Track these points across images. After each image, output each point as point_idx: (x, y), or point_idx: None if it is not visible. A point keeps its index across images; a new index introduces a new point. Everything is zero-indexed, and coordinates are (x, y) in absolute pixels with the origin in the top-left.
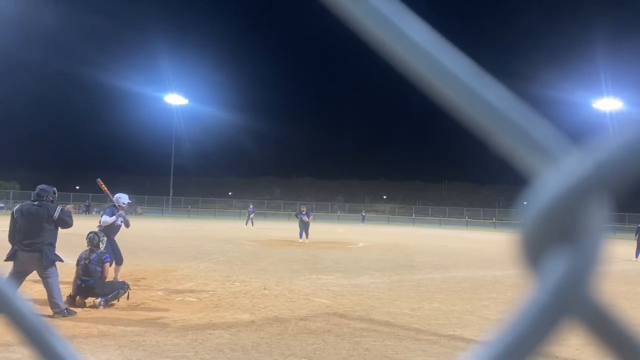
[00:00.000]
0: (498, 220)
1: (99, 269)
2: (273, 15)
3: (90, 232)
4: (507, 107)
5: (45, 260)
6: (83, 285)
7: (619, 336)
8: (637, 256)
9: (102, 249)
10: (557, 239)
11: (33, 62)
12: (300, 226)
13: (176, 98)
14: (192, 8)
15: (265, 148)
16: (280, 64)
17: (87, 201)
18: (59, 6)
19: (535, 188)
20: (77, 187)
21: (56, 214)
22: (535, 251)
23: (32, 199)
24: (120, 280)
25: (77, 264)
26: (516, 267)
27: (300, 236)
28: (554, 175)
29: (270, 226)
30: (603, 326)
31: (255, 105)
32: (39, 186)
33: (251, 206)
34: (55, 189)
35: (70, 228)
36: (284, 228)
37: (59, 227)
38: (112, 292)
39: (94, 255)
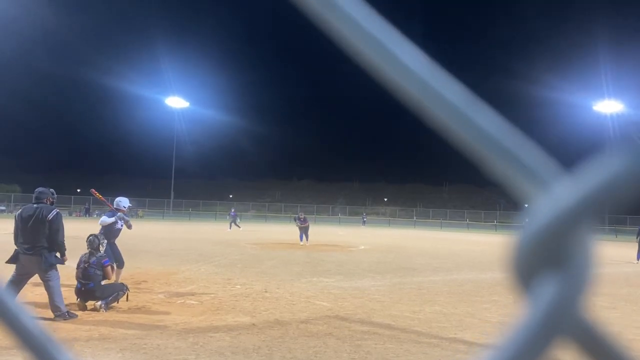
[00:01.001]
0: (499, 222)
1: (98, 272)
2: (274, 18)
3: (90, 235)
4: (499, 132)
5: (44, 264)
6: (83, 288)
7: (610, 355)
8: (638, 259)
9: (102, 252)
10: (547, 264)
11: (34, 65)
12: (300, 229)
13: (177, 101)
14: (193, 11)
15: (266, 151)
16: (281, 67)
17: (87, 204)
18: (60, 9)
19: (527, 213)
20: (78, 190)
21: (50, 215)
22: (526, 274)
23: (32, 202)
24: (120, 282)
25: (77, 267)
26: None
27: (301, 239)
28: (545, 202)
29: (271, 229)
30: (594, 346)
31: (256, 108)
32: (37, 189)
33: (233, 210)
34: (52, 190)
35: (60, 239)
36: (284, 231)
37: (52, 231)
38: (112, 294)
39: (93, 259)
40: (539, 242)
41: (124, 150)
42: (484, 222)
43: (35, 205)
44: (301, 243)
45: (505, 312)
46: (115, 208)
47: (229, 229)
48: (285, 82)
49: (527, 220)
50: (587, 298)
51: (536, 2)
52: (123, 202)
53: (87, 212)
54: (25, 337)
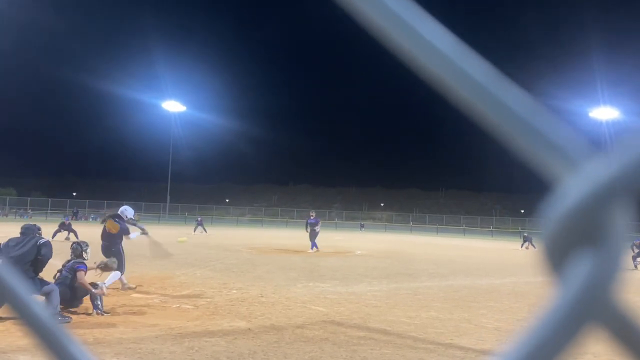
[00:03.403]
0: (495, 228)
1: (69, 275)
2: (272, 22)
3: (74, 243)
4: (526, 110)
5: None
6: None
7: None
8: (635, 266)
9: (86, 258)
10: (580, 244)
11: (31, 70)
12: (310, 237)
13: (174, 105)
14: (190, 15)
15: (263, 155)
16: (278, 72)
17: (75, 208)
18: (58, 13)
19: (558, 192)
20: (74, 194)
21: (42, 241)
22: (558, 256)
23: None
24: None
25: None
26: (514, 276)
27: (312, 247)
28: (577, 180)
29: (267, 234)
30: (626, 331)
31: (253, 113)
32: (24, 225)
33: (199, 218)
34: (39, 226)
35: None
36: (281, 235)
37: (39, 256)
38: (84, 296)
39: (69, 263)
40: (570, 222)
41: (121, 154)
42: (480, 227)
43: (22, 237)
44: (310, 251)
45: (501, 317)
46: (130, 219)
47: (204, 232)
48: (283, 87)
49: (557, 199)
50: (619, 281)
51: (530, 9)
52: (128, 212)
53: (76, 216)
54: (38, 330)
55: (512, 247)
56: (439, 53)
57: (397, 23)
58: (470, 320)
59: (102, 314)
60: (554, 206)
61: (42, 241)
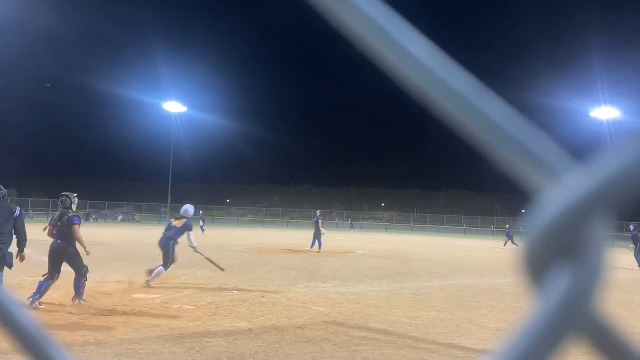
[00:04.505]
0: (496, 228)
1: (69, 231)
2: (273, 24)
3: (62, 195)
4: (509, 122)
5: (7, 263)
6: (59, 241)
7: (622, 352)
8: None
9: (74, 210)
10: (560, 256)
11: (32, 70)
12: (314, 234)
13: (175, 105)
14: (191, 16)
15: (264, 155)
16: (279, 72)
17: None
18: (59, 13)
19: (539, 204)
20: (75, 195)
21: (17, 212)
22: (539, 267)
23: None
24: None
25: (50, 224)
26: (515, 276)
27: (312, 245)
28: (557, 192)
29: (268, 234)
30: (606, 342)
31: (255, 113)
32: None
33: (201, 212)
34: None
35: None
36: (282, 236)
37: (18, 230)
38: (79, 266)
39: (65, 217)
40: (551, 235)
41: (122, 155)
42: (482, 227)
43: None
44: (309, 249)
45: (502, 317)
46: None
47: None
48: (284, 87)
49: (538, 211)
50: (599, 293)
51: (532, 9)
52: (190, 211)
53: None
54: (22, 337)
55: (513, 247)
56: (421, 65)
57: (377, 33)
58: (471, 321)
59: (80, 301)
60: (535, 218)
61: (17, 213)
